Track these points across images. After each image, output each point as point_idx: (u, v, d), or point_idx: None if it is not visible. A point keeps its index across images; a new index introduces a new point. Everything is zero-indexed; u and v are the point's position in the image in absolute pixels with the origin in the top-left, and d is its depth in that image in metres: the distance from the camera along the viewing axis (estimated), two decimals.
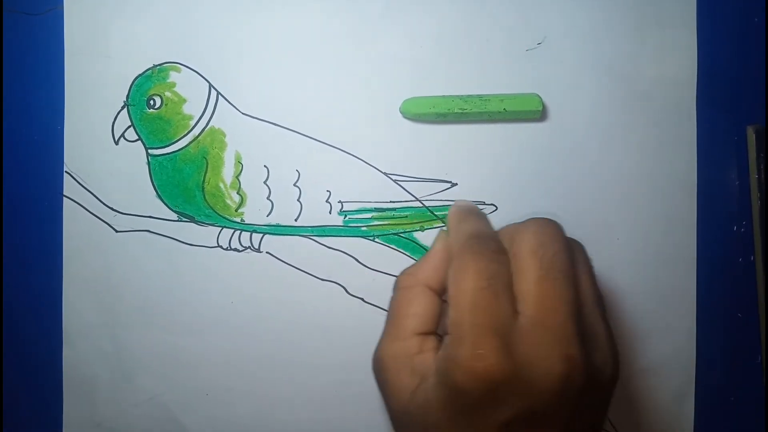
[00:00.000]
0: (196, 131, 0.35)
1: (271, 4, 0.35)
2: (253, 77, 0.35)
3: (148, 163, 0.35)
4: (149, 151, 0.35)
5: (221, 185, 0.35)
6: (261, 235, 0.35)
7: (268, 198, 0.35)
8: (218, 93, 0.35)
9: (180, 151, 0.35)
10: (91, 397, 0.36)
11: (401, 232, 0.35)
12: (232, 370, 0.36)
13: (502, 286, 0.23)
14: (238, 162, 0.35)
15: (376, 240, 0.35)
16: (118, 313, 0.36)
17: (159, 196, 0.35)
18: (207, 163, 0.35)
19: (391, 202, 0.35)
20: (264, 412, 0.36)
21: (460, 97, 0.34)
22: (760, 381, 0.36)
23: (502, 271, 0.24)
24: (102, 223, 0.36)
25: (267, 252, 0.35)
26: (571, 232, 0.35)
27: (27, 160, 0.36)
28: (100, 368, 0.36)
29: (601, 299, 0.26)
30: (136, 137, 0.35)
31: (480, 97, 0.34)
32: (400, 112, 0.35)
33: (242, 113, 0.35)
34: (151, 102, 0.35)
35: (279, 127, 0.35)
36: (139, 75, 0.35)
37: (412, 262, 0.35)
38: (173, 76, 0.35)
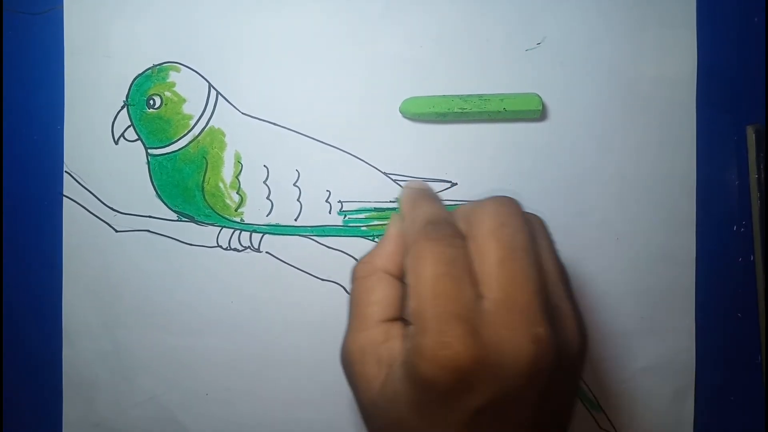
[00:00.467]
0: (196, 131, 0.35)
1: (271, 4, 0.35)
2: (252, 77, 0.35)
3: (148, 162, 0.35)
4: (149, 150, 0.35)
5: (221, 185, 0.35)
6: (261, 234, 0.35)
7: (267, 198, 0.35)
8: (218, 93, 0.35)
9: (180, 151, 0.35)
10: (90, 397, 0.36)
11: None
12: (232, 370, 0.36)
13: (461, 270, 0.23)
14: (238, 162, 0.35)
15: (376, 240, 0.35)
16: (117, 313, 0.36)
17: (159, 196, 0.35)
18: (207, 162, 0.35)
19: (390, 202, 0.35)
20: (264, 412, 0.36)
21: (460, 97, 0.34)
22: (760, 381, 0.36)
23: (461, 255, 0.23)
24: (102, 223, 0.36)
25: (267, 252, 0.35)
26: (571, 232, 0.35)
27: (27, 160, 0.36)
28: (100, 368, 0.36)
29: (564, 275, 0.25)
30: (136, 137, 0.35)
31: (480, 96, 0.34)
32: (400, 112, 0.35)
33: (242, 113, 0.35)
34: (151, 102, 0.35)
35: (279, 127, 0.35)
36: (139, 75, 0.35)
37: None
38: (173, 76, 0.35)
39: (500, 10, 0.35)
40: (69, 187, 0.36)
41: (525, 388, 0.22)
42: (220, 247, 0.35)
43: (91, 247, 0.36)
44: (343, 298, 0.35)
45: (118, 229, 0.36)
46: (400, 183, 0.35)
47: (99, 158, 0.35)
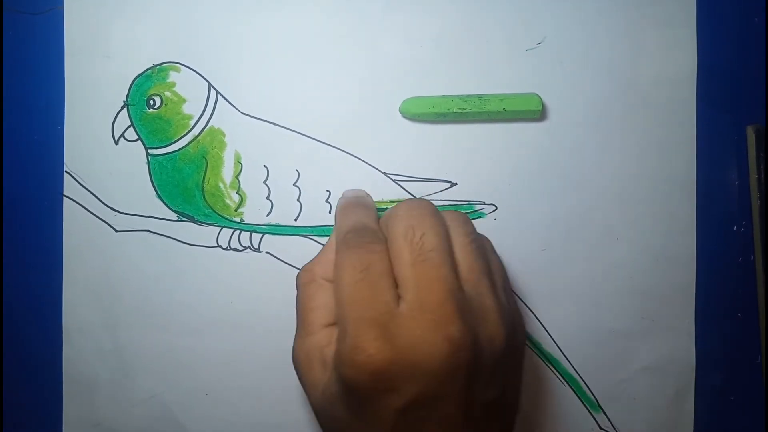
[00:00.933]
0: (196, 131, 0.35)
1: (271, 4, 0.35)
2: (252, 77, 0.35)
3: (148, 162, 0.35)
4: (149, 150, 0.35)
5: (221, 185, 0.35)
6: (261, 234, 0.35)
7: (267, 198, 0.35)
8: (218, 93, 0.35)
9: (180, 151, 0.35)
10: (90, 396, 0.36)
11: None
12: (232, 370, 0.36)
13: (378, 275, 0.24)
14: (238, 162, 0.35)
15: None
16: (117, 313, 0.36)
17: (159, 196, 0.35)
18: (207, 162, 0.35)
19: (390, 201, 0.35)
20: (264, 412, 0.36)
21: (460, 97, 0.34)
22: (760, 381, 0.36)
23: (377, 260, 0.24)
24: (102, 223, 0.36)
25: (267, 252, 0.36)
26: (571, 232, 0.35)
27: (27, 160, 0.36)
28: (100, 368, 0.36)
29: (489, 270, 0.26)
30: (136, 137, 0.35)
31: (479, 96, 0.34)
32: (400, 112, 0.35)
33: (242, 113, 0.35)
34: (151, 102, 0.35)
35: (279, 127, 0.35)
36: (139, 75, 0.35)
37: None
38: (173, 76, 0.35)
39: (500, 10, 0.35)
40: (69, 187, 0.36)
41: (446, 386, 0.22)
42: (220, 247, 0.35)
43: (91, 247, 0.36)
44: None
45: (118, 229, 0.36)
46: (401, 183, 0.35)
47: (99, 158, 0.35)
